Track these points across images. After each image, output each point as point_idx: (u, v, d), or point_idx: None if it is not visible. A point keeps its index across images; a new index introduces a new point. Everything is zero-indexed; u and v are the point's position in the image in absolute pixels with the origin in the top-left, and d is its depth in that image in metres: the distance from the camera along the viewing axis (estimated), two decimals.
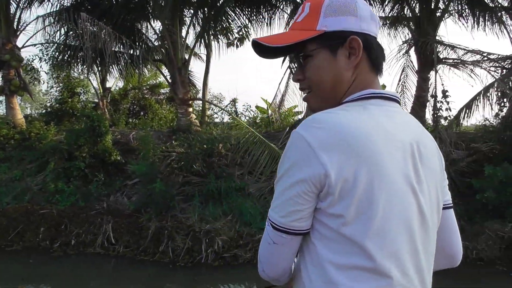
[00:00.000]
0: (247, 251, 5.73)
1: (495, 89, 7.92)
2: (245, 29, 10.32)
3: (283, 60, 9.90)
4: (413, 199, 0.84)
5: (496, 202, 6.10)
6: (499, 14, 8.91)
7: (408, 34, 9.41)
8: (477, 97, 7.79)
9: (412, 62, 8.43)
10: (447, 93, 7.59)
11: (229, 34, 10.19)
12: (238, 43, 10.52)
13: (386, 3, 9.12)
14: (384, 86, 10.93)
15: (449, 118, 7.55)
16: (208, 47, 10.83)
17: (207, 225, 5.95)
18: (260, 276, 0.95)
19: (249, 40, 10.18)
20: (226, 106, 9.91)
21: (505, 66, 8.36)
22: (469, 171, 7.15)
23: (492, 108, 8.32)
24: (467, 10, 9.24)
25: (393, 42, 10.07)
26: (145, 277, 5.33)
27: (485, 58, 8.28)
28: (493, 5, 8.96)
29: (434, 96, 7.66)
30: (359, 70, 0.92)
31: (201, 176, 7.08)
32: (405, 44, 8.69)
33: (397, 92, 8.23)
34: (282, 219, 0.84)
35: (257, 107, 10.90)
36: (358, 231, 0.79)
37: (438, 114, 7.66)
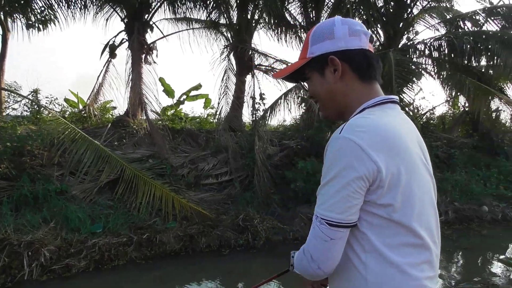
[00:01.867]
0: (81, 259, 5.30)
1: (293, 94, 9.64)
2: (50, 10, 9.21)
3: (102, 52, 9.39)
4: (430, 179, 1.11)
5: (305, 190, 7.49)
6: (298, 30, 10.83)
7: (227, 39, 10.35)
8: (279, 101, 9.31)
9: (232, 65, 9.35)
10: (263, 96, 8.81)
11: (31, 14, 8.88)
12: (41, 26, 9.28)
13: (206, 8, 9.84)
14: (200, 86, 11.66)
15: (267, 118, 8.77)
16: (3, 25, 9.17)
17: (27, 235, 5.20)
18: (315, 275, 1.06)
19: (55, 24, 9.15)
20: (28, 95, 8.60)
21: None
22: (281, 164, 8.50)
23: (290, 111, 10.10)
24: (272, 24, 10.84)
25: (217, 45, 10.81)
26: None
27: None
28: (292, 23, 10.82)
29: (253, 98, 8.76)
30: (347, 81, 1.14)
31: (9, 179, 6.07)
32: (227, 48, 9.55)
33: (221, 92, 8.99)
34: (340, 215, 0.98)
35: (66, 100, 9.90)
36: (405, 215, 1.00)
37: (256, 114, 8.80)
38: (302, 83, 1.34)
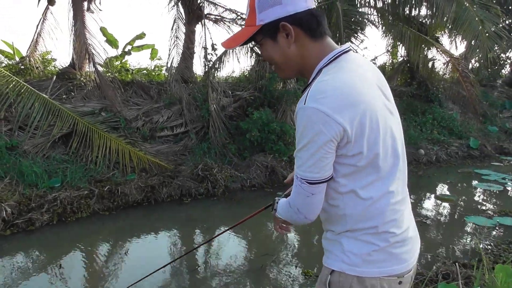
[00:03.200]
0: (43, 213, 5.33)
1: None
2: None
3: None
4: (391, 117, 1.23)
5: (260, 139, 7.85)
6: None
7: None
8: (228, 51, 9.37)
9: (182, 14, 9.16)
10: (215, 46, 8.83)
11: None
12: None
13: None
14: (144, 34, 11.30)
15: (218, 69, 8.85)
16: None
17: None
18: (302, 223, 1.27)
19: None
20: None
21: None
22: (235, 115, 8.75)
23: (239, 62, 10.21)
24: None
25: None
26: None
27: (239, 18, 9.95)
28: None
29: (205, 48, 8.75)
30: (301, 43, 1.21)
31: None
32: None
33: (171, 42, 8.85)
34: (317, 175, 1.14)
35: (0, 51, 9.21)
36: (372, 158, 1.15)
37: (209, 65, 8.84)
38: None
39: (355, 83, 1.12)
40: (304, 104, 1.10)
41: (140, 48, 11.46)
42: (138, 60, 14.13)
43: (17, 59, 9.42)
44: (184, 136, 8.10)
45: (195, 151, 7.74)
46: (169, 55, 8.84)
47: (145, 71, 10.88)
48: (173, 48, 8.86)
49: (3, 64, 8.80)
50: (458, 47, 12.84)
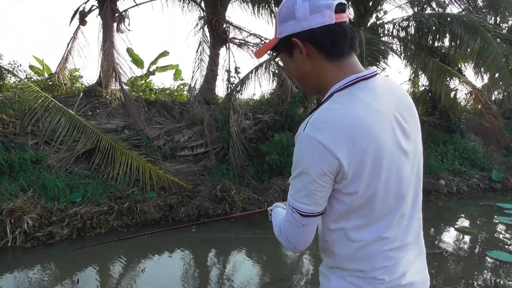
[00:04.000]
0: (64, 227, 5.41)
1: (264, 68, 9.87)
2: None
3: (72, 18, 9.12)
4: (406, 159, 1.12)
5: (279, 162, 7.86)
6: (271, 3, 10.96)
7: (202, 10, 10.31)
8: (250, 75, 9.53)
9: (207, 37, 9.39)
10: (238, 69, 8.98)
11: None
12: None
13: None
14: (167, 52, 11.56)
15: (240, 92, 8.98)
16: None
17: (8, 203, 5.23)
18: (290, 250, 1.23)
19: None
20: None
21: None
22: (255, 138, 8.80)
23: (260, 85, 10.32)
24: None
25: (191, 16, 10.75)
26: None
27: (263, 42, 10.13)
28: None
29: (228, 71, 8.91)
30: (316, 61, 1.13)
31: None
32: (201, 20, 9.55)
33: (195, 64, 9.05)
34: (309, 207, 1.09)
35: (31, 67, 9.59)
36: (368, 199, 1.08)
37: (231, 87, 8.98)
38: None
39: (363, 118, 1.05)
40: (304, 130, 1.05)
41: (165, 68, 11.77)
42: (162, 80, 14.41)
43: (46, 75, 9.77)
44: (204, 156, 8.17)
45: (214, 172, 7.78)
46: (192, 76, 9.06)
47: (168, 91, 11.11)
48: (197, 70, 9.08)
49: (32, 80, 9.12)
50: (481, 79, 12.70)
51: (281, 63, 9.38)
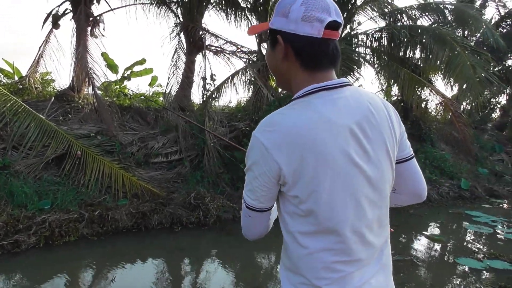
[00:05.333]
0: (31, 235, 5.23)
1: (240, 76, 9.89)
2: None
3: (44, 21, 8.92)
4: (358, 173, 1.09)
5: None
6: (248, 12, 11.02)
7: (177, 17, 10.26)
8: (226, 82, 9.53)
9: (183, 44, 9.34)
10: (214, 76, 8.97)
11: None
12: None
13: None
14: (144, 60, 11.46)
15: (216, 99, 8.95)
16: None
17: None
18: (246, 238, 1.28)
19: None
20: None
21: (252, 59, 10.53)
22: (230, 145, 8.77)
23: (237, 92, 10.35)
24: (223, 4, 10.91)
25: (167, 22, 10.67)
26: None
27: (239, 50, 10.18)
28: (243, 5, 10.97)
29: (204, 78, 8.88)
30: (289, 64, 1.16)
31: None
32: (177, 27, 9.50)
33: (171, 70, 8.98)
34: (252, 202, 1.15)
35: (0, 70, 9.29)
36: (311, 206, 1.07)
37: (207, 94, 8.94)
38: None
39: (310, 126, 1.05)
40: (254, 130, 1.11)
41: (139, 73, 11.63)
42: (137, 86, 14.24)
43: (16, 78, 9.50)
44: (178, 163, 8.09)
45: (188, 179, 7.70)
46: (167, 83, 8.97)
47: (142, 97, 10.97)
48: (172, 76, 9.00)
49: (2, 83, 8.85)
50: (451, 89, 13.12)
51: (255, 71, 9.52)
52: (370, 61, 12.19)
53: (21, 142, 6.53)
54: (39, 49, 8.96)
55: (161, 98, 10.84)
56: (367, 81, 26.64)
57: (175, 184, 7.61)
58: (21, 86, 8.79)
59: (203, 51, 9.39)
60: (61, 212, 5.77)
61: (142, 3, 9.95)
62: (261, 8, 10.47)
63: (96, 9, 9.05)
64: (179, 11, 10.15)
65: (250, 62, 10.26)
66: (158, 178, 7.55)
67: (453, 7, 11.89)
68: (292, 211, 1.12)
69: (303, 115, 1.07)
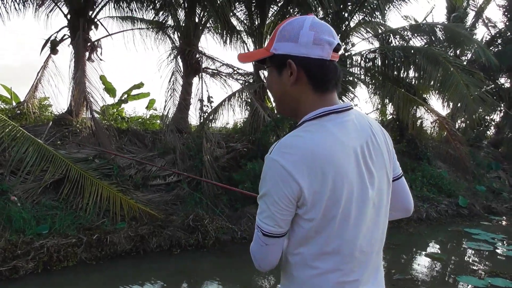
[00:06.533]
0: (29, 260, 5.20)
1: (236, 97, 10.03)
2: None
3: (43, 47, 9.08)
4: (368, 195, 1.14)
5: (252, 191, 7.88)
6: (244, 35, 11.26)
7: (175, 41, 10.49)
8: (223, 103, 9.66)
9: (180, 67, 9.51)
10: (211, 98, 9.09)
11: None
12: None
13: (154, 8, 9.93)
14: (142, 84, 11.62)
15: (213, 121, 9.06)
16: None
17: None
18: (257, 268, 1.24)
19: None
20: None
21: (248, 80, 10.70)
22: (228, 166, 8.83)
23: (234, 113, 10.47)
24: (219, 28, 11.14)
25: (163, 46, 10.93)
26: None
27: (235, 72, 10.35)
28: (239, 29, 11.22)
29: (201, 100, 9.00)
30: (301, 88, 1.18)
31: None
32: (174, 50, 9.69)
33: (168, 93, 9.10)
34: (270, 228, 1.12)
35: None
36: (325, 227, 1.10)
37: (204, 116, 9.05)
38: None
39: (328, 147, 1.09)
40: (270, 153, 1.10)
41: (136, 96, 11.76)
42: (134, 109, 14.38)
43: (14, 103, 9.58)
44: (176, 185, 8.11)
45: (187, 201, 7.71)
46: (165, 106, 9.09)
47: (140, 120, 11.08)
48: (170, 99, 9.12)
49: (0, 108, 8.94)
50: (446, 107, 13.33)
51: (251, 93, 9.65)
52: (365, 81, 12.41)
53: (19, 167, 6.55)
54: (37, 75, 9.09)
55: (159, 121, 10.94)
56: (362, 100, 26.84)
57: (173, 206, 7.62)
58: (19, 111, 8.88)
59: (200, 74, 9.54)
60: (59, 236, 5.75)
61: (140, 28, 10.18)
62: (257, 31, 10.70)
63: (94, 35, 9.25)
64: (175, 36, 10.36)
65: (246, 83, 10.41)
66: (157, 200, 7.56)
67: (444, 27, 12.21)
68: (304, 235, 1.13)
69: (319, 137, 1.10)
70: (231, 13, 10.07)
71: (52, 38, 9.06)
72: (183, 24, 9.79)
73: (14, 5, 8.49)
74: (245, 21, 11.10)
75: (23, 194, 6.30)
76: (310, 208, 1.08)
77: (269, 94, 1.38)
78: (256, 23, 10.81)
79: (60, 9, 9.04)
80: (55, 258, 5.45)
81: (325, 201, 1.07)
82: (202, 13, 9.88)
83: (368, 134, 1.19)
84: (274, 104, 1.38)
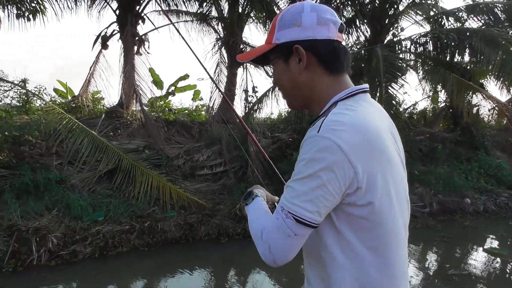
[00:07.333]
0: (87, 245, 5.55)
1: None
2: (40, 1, 9.24)
3: (94, 43, 9.52)
4: (402, 171, 1.11)
5: None
6: None
7: (219, 32, 10.65)
8: (267, 93, 9.68)
9: (224, 58, 9.65)
10: (256, 88, 9.17)
11: (22, 4, 8.90)
12: (31, 16, 9.30)
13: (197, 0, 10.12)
14: (187, 76, 11.88)
15: (258, 111, 9.14)
16: None
17: (34, 222, 5.43)
18: (266, 262, 1.05)
19: (44, 14, 9.20)
20: (14, 86, 8.68)
21: None
22: (274, 156, 8.87)
23: (278, 104, 10.48)
24: (263, 18, 11.17)
25: (208, 38, 11.16)
26: None
27: None
28: None
29: (246, 91, 9.10)
30: (313, 72, 1.11)
31: (10, 168, 6.24)
32: (219, 41, 9.85)
33: (213, 85, 9.28)
34: (309, 214, 0.96)
35: (55, 90, 10.01)
36: (385, 210, 1.01)
37: (249, 106, 9.15)
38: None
39: (378, 126, 1.02)
40: (318, 132, 0.97)
41: (183, 89, 12.07)
42: (180, 100, 14.78)
43: (70, 97, 10.16)
44: (223, 175, 8.29)
45: (233, 191, 7.87)
46: (210, 97, 9.27)
47: (186, 111, 11.37)
48: (215, 90, 9.27)
49: (56, 103, 9.51)
50: (507, 93, 12.57)
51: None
52: (414, 67, 11.97)
53: (75, 157, 6.97)
54: (90, 69, 9.57)
55: (204, 112, 11.19)
56: (411, 88, 25.85)
57: (220, 196, 7.80)
58: (74, 105, 9.41)
59: (244, 64, 9.62)
60: (114, 223, 6.08)
61: (185, 21, 10.41)
62: None
63: (141, 29, 9.59)
64: (219, 27, 10.50)
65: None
66: (204, 190, 7.77)
67: (505, 6, 11.46)
68: (358, 225, 1.01)
69: (365, 114, 1.03)
70: (273, 3, 10.05)
71: (103, 34, 9.50)
72: (227, 15, 9.90)
73: (67, 3, 8.95)
74: None
75: (80, 183, 6.70)
76: (365, 192, 0.97)
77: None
78: None
79: (110, 5, 9.45)
80: (110, 243, 5.78)
81: (380, 184, 0.99)
82: (245, 3, 9.93)
83: (387, 117, 1.16)
84: (285, 100, 1.30)
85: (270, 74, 10.33)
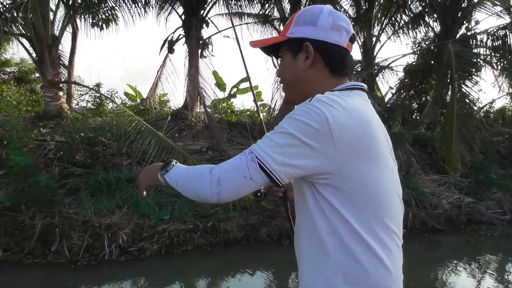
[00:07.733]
0: (154, 243, 5.82)
1: None
2: (112, 11, 9.86)
3: (161, 47, 9.94)
4: (394, 167, 1.13)
5: None
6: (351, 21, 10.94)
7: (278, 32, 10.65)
8: None
9: None
10: None
11: (97, 13, 9.56)
12: (104, 25, 9.96)
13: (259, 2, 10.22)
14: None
15: None
16: (73, 24, 9.94)
17: (106, 219, 5.79)
18: (204, 196, 1.06)
19: (116, 23, 9.79)
20: (90, 90, 9.33)
21: (356, 69, 10.38)
22: None
23: None
24: None
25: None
26: (41, 280, 4.90)
27: None
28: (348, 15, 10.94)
29: None
30: (316, 72, 1.16)
31: (85, 167, 6.71)
32: None
33: (275, 85, 9.32)
34: (275, 166, 0.98)
35: (126, 93, 10.62)
36: (373, 194, 1.03)
37: None
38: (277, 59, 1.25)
39: (369, 116, 1.05)
40: (310, 101, 1.00)
41: (244, 90, 12.23)
42: (242, 102, 15.00)
43: (139, 100, 10.70)
44: None
45: None
46: (272, 98, 9.30)
47: (248, 112, 11.52)
48: (276, 91, 9.29)
49: (127, 105, 10.06)
50: None
51: (359, 81, 9.21)
52: (491, 63, 11.16)
53: (143, 157, 7.31)
54: (157, 73, 10.01)
55: (265, 114, 11.26)
56: (487, 85, 24.13)
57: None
58: (142, 107, 9.91)
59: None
60: (179, 222, 6.30)
61: (247, 23, 10.54)
62: (363, 18, 10.34)
63: (205, 32, 9.87)
64: (281, 27, 10.49)
65: (354, 72, 10.12)
66: None
67: None
68: (351, 202, 1.01)
69: (360, 104, 1.07)
70: (336, 3, 9.86)
71: (169, 39, 9.89)
72: (289, 16, 9.86)
73: (137, 10, 9.44)
74: (351, 8, 10.81)
75: None
76: (343, 169, 0.99)
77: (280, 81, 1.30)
78: (364, 8, 10.43)
79: (176, 11, 9.83)
80: (176, 242, 5.99)
81: (364, 168, 1.01)
82: (306, 3, 9.84)
83: (379, 117, 1.17)
84: (284, 93, 1.29)
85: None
